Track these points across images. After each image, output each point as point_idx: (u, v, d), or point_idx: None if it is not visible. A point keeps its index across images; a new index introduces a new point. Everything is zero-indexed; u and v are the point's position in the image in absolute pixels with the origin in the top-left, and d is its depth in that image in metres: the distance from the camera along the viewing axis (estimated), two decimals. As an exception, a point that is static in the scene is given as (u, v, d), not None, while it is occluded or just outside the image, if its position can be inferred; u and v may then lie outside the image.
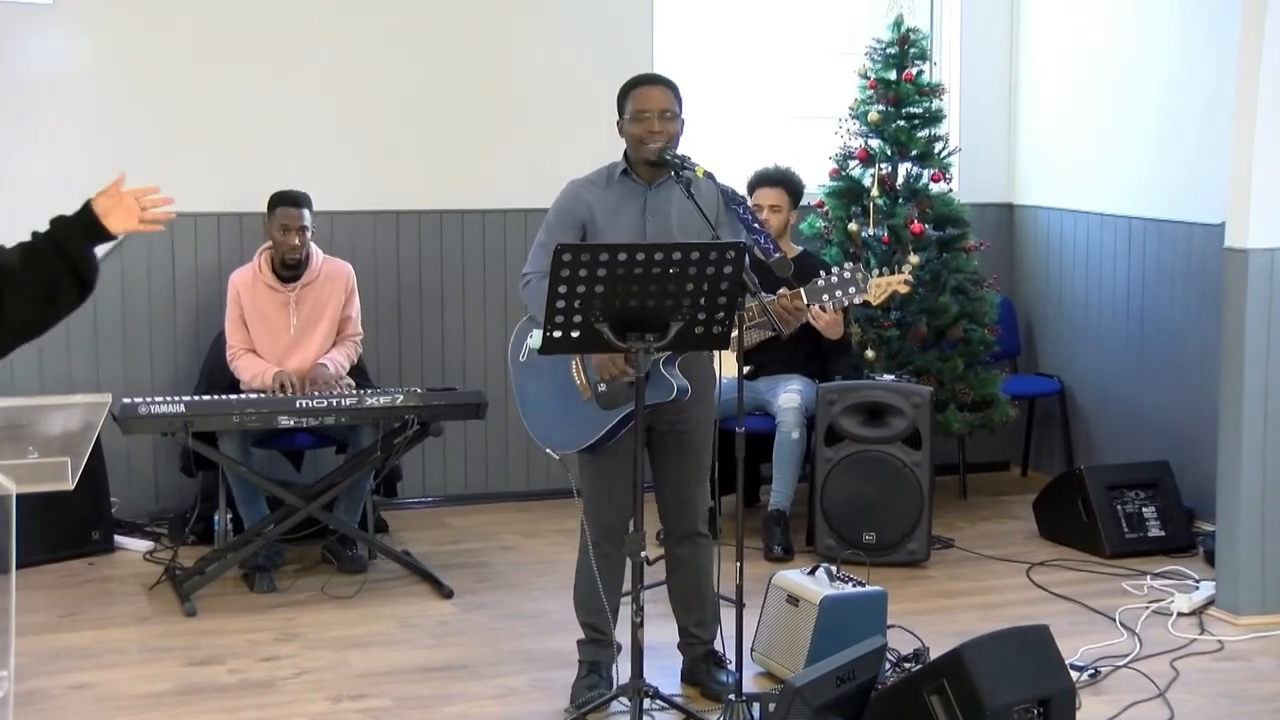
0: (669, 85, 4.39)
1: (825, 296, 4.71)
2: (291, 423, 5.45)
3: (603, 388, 4.31)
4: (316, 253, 5.95)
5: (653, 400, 4.24)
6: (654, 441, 4.47)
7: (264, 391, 5.67)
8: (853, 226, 6.54)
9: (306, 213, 5.82)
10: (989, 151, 7.36)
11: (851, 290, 4.70)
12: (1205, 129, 6.17)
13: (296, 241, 5.79)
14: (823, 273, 4.75)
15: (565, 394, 4.41)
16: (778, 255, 4.34)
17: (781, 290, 4.52)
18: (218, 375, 5.99)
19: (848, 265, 4.75)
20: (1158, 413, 6.58)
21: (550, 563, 5.89)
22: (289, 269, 5.84)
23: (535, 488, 6.77)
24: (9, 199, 6.13)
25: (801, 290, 4.67)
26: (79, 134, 6.21)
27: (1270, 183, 5.10)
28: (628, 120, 4.35)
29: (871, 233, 6.53)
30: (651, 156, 4.30)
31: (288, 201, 5.82)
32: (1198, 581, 5.58)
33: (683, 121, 4.38)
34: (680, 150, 4.34)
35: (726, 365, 4.59)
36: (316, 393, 5.63)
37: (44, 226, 3.55)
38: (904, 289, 5.61)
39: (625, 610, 4.44)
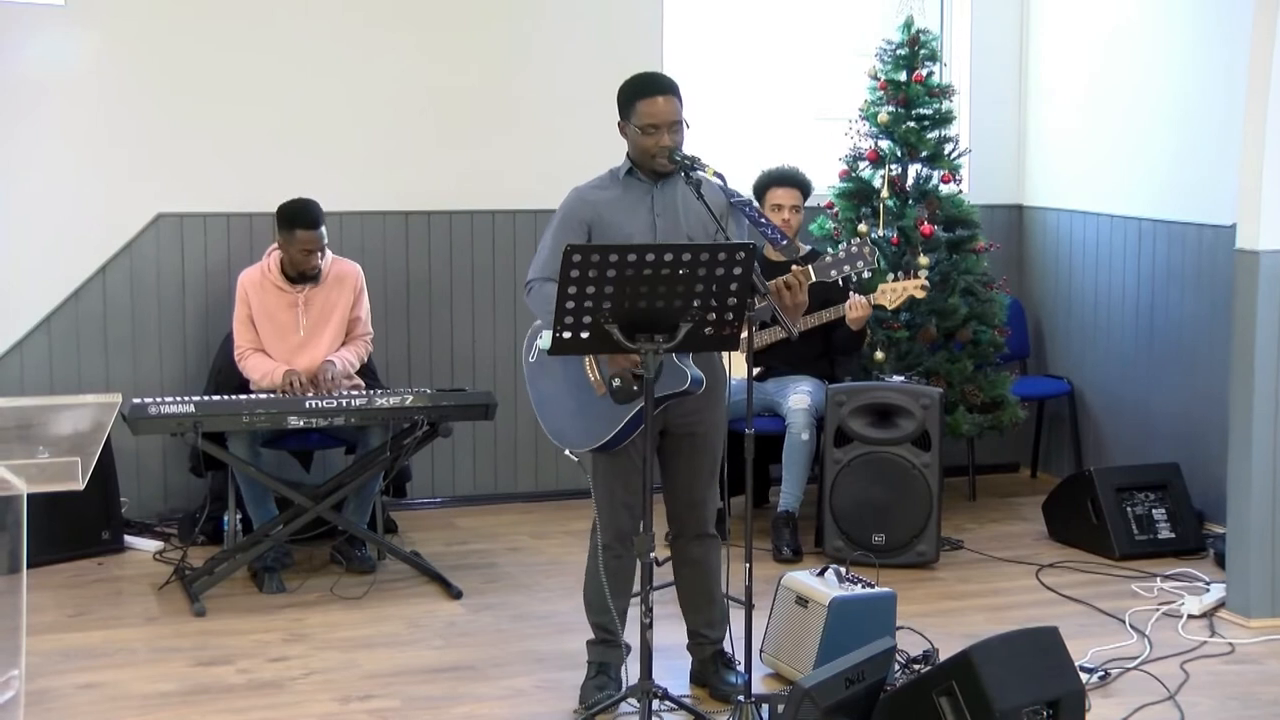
0: (674, 91, 4.36)
1: (833, 272, 4.73)
2: (301, 423, 5.45)
3: (616, 382, 4.31)
4: (325, 253, 5.94)
5: (667, 390, 4.22)
6: (667, 443, 4.47)
7: (273, 391, 5.68)
8: (862, 228, 6.54)
9: (324, 232, 5.81)
10: (999, 153, 7.35)
11: (859, 264, 4.71)
12: (1216, 130, 6.16)
13: (314, 263, 5.79)
14: (829, 249, 4.76)
15: (579, 390, 4.40)
16: (785, 242, 4.38)
17: (795, 268, 4.53)
18: (227, 375, 5.99)
19: (855, 241, 4.76)
20: (1168, 414, 6.56)
21: (559, 564, 5.89)
22: (304, 278, 5.84)
23: (544, 489, 6.77)
24: (19, 197, 6.15)
25: (810, 268, 4.68)
26: (89, 134, 6.22)
27: (1281, 184, 5.09)
28: (636, 131, 4.32)
29: (881, 234, 6.53)
30: (662, 168, 4.30)
31: (308, 224, 5.75)
32: (1208, 584, 5.56)
33: (687, 124, 4.38)
34: (689, 149, 4.34)
35: (736, 367, 4.59)
36: (323, 391, 5.63)
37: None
38: (921, 294, 5.63)
39: (634, 611, 4.44)
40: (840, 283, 4.82)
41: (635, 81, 4.40)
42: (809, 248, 6.40)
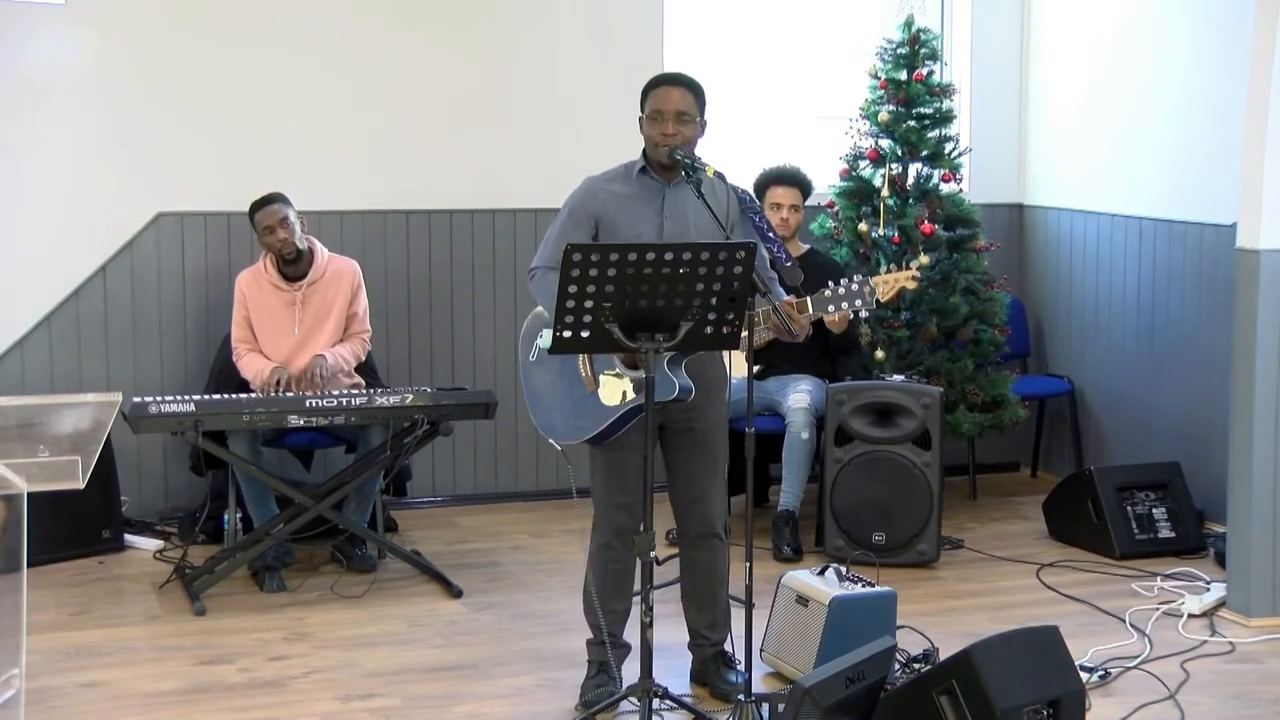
0: (690, 86, 4.35)
1: (831, 307, 4.76)
2: (301, 422, 5.46)
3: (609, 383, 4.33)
4: (321, 251, 5.95)
5: (657, 397, 4.22)
6: (667, 440, 4.48)
7: (264, 390, 5.68)
8: (863, 227, 6.54)
9: (281, 206, 5.81)
10: (999, 152, 7.35)
11: (858, 303, 4.75)
12: (1217, 129, 6.16)
13: (284, 235, 5.78)
14: (830, 284, 4.79)
15: (571, 386, 4.41)
16: (789, 264, 4.39)
17: (789, 298, 4.55)
18: (227, 374, 5.99)
19: (857, 278, 4.78)
20: (1168, 414, 6.56)
21: (560, 562, 5.89)
22: (291, 265, 5.84)
23: (545, 487, 6.77)
24: (20, 196, 6.15)
25: (808, 300, 4.71)
26: (90, 133, 6.22)
27: (1282, 183, 5.09)
28: (645, 118, 4.35)
29: (882, 233, 6.53)
30: (663, 159, 4.30)
31: (261, 204, 5.82)
32: (1208, 583, 5.57)
33: (703, 124, 4.37)
34: (696, 149, 4.34)
35: (736, 365, 4.60)
36: (315, 385, 5.63)
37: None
38: (912, 285, 5.63)
39: (634, 610, 4.44)
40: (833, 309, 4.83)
41: (654, 76, 4.43)
42: (807, 246, 6.42)
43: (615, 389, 4.31)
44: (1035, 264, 7.39)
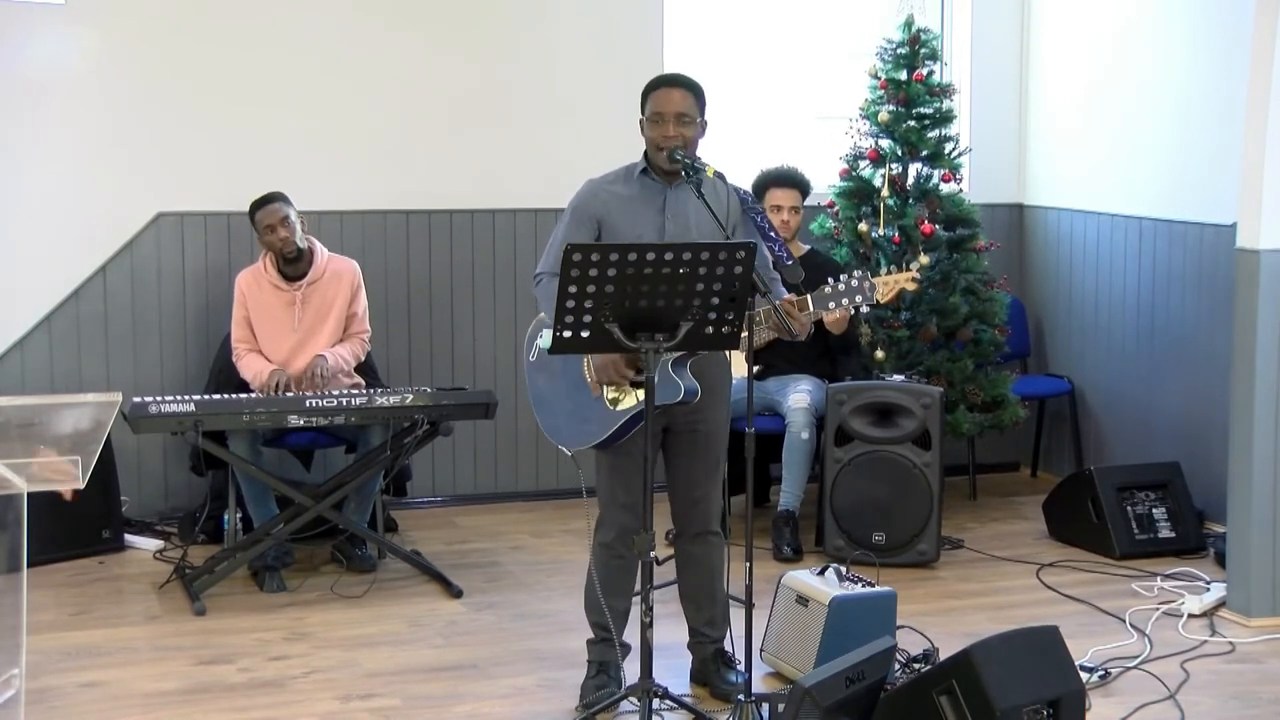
0: (690, 87, 4.35)
1: (832, 304, 4.76)
2: (301, 422, 5.46)
3: (613, 393, 4.34)
4: (321, 251, 5.95)
5: (660, 401, 4.23)
6: (670, 441, 4.48)
7: (263, 392, 5.68)
8: (863, 227, 6.54)
9: (281, 205, 5.82)
10: (999, 152, 7.35)
11: (859, 299, 4.75)
12: (1217, 129, 6.16)
13: (285, 234, 5.79)
14: (830, 280, 4.79)
15: (577, 391, 4.41)
16: (790, 262, 4.40)
17: (788, 296, 4.56)
18: (227, 374, 6.00)
19: (855, 274, 4.79)
20: (1168, 414, 6.56)
21: (560, 562, 5.89)
22: (291, 264, 5.84)
23: (545, 487, 6.77)
24: (20, 196, 6.15)
25: (809, 297, 4.72)
26: (90, 133, 6.22)
27: (1282, 183, 5.09)
28: (646, 121, 4.35)
29: (882, 233, 6.53)
30: (663, 163, 4.30)
31: (262, 203, 5.83)
32: (1208, 583, 5.57)
33: (704, 125, 4.37)
34: (697, 150, 4.34)
35: (736, 365, 4.60)
36: (315, 386, 5.63)
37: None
38: (912, 286, 5.63)
39: (635, 610, 4.45)
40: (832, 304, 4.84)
41: (654, 77, 4.43)
42: (807, 247, 6.42)
43: (629, 396, 4.32)
44: (1035, 264, 7.39)
